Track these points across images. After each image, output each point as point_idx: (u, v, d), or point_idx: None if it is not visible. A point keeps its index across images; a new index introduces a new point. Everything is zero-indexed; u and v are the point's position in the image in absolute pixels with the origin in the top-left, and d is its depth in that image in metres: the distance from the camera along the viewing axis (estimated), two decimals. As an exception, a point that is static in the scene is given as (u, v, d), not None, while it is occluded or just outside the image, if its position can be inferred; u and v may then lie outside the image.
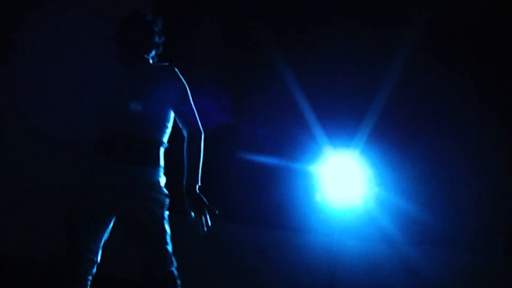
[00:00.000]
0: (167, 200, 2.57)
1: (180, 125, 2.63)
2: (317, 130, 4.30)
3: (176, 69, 2.62)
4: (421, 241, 4.27)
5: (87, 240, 2.54)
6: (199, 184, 2.53)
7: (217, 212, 2.48)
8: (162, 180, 2.59)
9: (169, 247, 2.54)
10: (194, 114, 2.62)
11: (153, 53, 2.72)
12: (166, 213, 2.57)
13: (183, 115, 2.60)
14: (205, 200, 2.49)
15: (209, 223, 2.47)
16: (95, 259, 2.57)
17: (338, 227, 4.05)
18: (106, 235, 2.61)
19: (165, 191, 2.59)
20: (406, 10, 4.41)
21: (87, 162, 2.61)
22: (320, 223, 4.19)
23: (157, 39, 2.70)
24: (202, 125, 2.61)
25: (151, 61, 2.70)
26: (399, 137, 4.35)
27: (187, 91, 2.61)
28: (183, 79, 2.62)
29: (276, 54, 4.50)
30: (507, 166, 4.34)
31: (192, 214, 2.49)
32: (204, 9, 4.75)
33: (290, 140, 4.42)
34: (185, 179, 2.54)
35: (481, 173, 4.32)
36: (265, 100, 4.57)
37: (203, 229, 2.47)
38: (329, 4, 4.64)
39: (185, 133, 2.62)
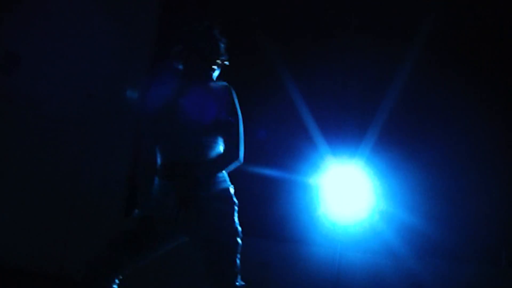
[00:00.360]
0: (236, 208, 2.53)
1: (222, 142, 2.55)
2: (321, 141, 4.28)
3: (233, 90, 2.57)
4: (424, 254, 4.25)
5: (133, 262, 2.48)
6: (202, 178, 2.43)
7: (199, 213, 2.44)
8: (231, 189, 2.56)
9: (238, 260, 2.48)
10: (239, 137, 2.54)
11: (216, 72, 2.63)
12: (237, 221, 2.53)
13: (228, 133, 2.52)
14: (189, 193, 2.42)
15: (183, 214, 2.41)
16: (121, 278, 2.52)
17: (342, 239, 4.02)
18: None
19: (234, 199, 2.55)
20: (411, 22, 4.42)
21: (156, 190, 2.55)
22: (324, 236, 4.17)
23: (224, 57, 2.63)
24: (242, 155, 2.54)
25: (210, 79, 2.61)
26: (402, 148, 4.34)
27: (238, 113, 2.55)
28: (237, 102, 2.57)
29: (278, 63, 4.49)
30: (510, 179, 4.33)
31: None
32: (208, 16, 4.74)
33: (293, 151, 4.40)
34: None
35: (484, 186, 4.31)
36: (267, 110, 4.55)
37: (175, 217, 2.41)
38: (333, 16, 4.64)
39: (223, 149, 2.54)
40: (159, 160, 2.57)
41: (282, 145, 4.45)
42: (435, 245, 4.25)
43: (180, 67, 2.61)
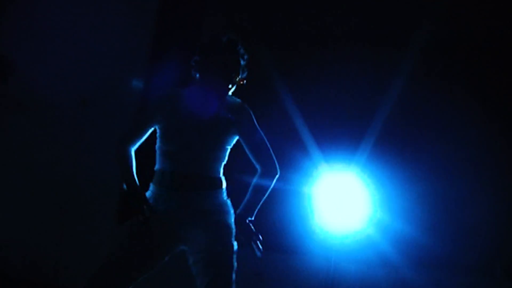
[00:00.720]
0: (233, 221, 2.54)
1: (254, 160, 2.56)
2: (314, 149, 4.26)
3: (248, 108, 2.55)
4: (420, 264, 4.22)
5: (137, 277, 2.43)
6: (252, 218, 2.54)
7: (261, 238, 2.55)
8: (229, 201, 2.58)
9: (234, 274, 2.48)
10: (270, 150, 2.57)
11: (232, 89, 2.57)
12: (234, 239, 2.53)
13: (258, 150, 2.54)
14: (253, 228, 2.55)
15: (261, 248, 2.53)
16: None
17: (336, 249, 3.99)
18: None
19: (232, 212, 2.56)
20: (406, 31, 4.42)
21: (153, 198, 2.50)
22: (317, 246, 4.13)
23: (243, 76, 2.56)
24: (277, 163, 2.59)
25: (226, 94, 2.56)
26: (397, 157, 4.33)
27: (260, 129, 2.56)
28: (255, 119, 2.57)
29: (272, 69, 4.48)
30: (505, 190, 4.33)
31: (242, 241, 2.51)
32: (204, 26, 4.73)
33: (287, 159, 4.36)
34: (241, 208, 2.54)
35: (480, 196, 4.31)
36: (260, 117, 4.52)
37: (257, 253, 2.54)
38: (328, 24, 4.65)
39: (259, 168, 2.56)
40: (164, 167, 2.50)
41: (275, 153, 4.41)
42: (430, 255, 4.23)
43: (197, 76, 2.54)
